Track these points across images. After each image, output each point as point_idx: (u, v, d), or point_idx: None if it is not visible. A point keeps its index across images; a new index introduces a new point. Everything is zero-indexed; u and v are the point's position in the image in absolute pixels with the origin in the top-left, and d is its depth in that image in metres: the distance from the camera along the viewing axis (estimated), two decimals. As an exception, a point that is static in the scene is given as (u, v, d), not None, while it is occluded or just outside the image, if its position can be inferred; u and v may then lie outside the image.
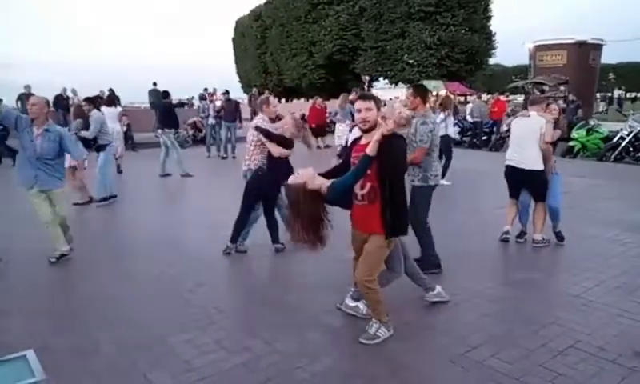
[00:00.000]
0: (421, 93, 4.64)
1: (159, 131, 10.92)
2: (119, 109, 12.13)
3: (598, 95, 26.99)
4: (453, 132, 9.17)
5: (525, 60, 24.20)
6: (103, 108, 9.42)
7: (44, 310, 4.12)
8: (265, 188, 5.27)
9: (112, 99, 8.14)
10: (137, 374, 3.10)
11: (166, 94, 12.41)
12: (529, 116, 5.57)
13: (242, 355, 3.29)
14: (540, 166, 5.44)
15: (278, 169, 5.05)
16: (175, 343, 3.46)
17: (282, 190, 5.07)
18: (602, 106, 19.83)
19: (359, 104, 3.37)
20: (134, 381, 3.03)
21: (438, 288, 4.11)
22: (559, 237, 5.68)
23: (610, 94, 32.76)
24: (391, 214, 3.24)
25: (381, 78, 33.94)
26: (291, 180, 3.33)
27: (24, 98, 16.83)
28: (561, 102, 11.47)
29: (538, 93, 17.08)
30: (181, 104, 15.46)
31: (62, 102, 16.71)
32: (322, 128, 17.33)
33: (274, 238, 5.50)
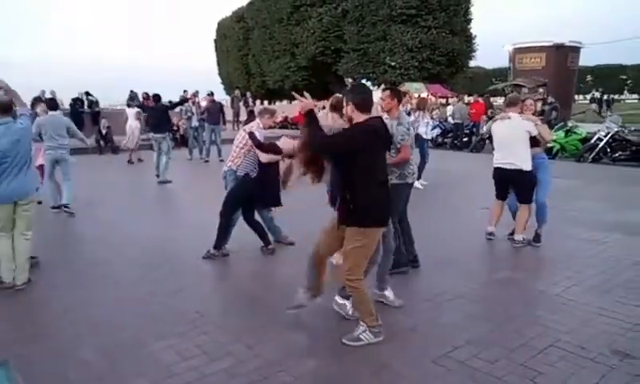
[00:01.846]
0: (398, 95, 4.73)
1: (152, 135, 10.75)
2: (136, 109, 14.25)
3: (588, 97, 27.39)
4: (424, 132, 9.18)
5: (505, 62, 24.53)
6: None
7: (21, 317, 4.03)
8: (249, 194, 5.23)
9: (55, 103, 8.09)
10: (117, 380, 3.04)
11: (157, 97, 11.82)
12: (509, 117, 5.63)
13: (225, 360, 3.26)
14: (528, 167, 5.51)
15: (265, 175, 5.03)
16: (156, 349, 3.41)
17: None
18: (593, 108, 20.16)
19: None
20: (113, 388, 2.97)
21: (391, 293, 4.13)
22: (537, 238, 5.73)
23: (598, 96, 33.27)
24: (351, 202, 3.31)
25: (363, 80, 34.06)
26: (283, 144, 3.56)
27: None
28: (540, 104, 11.66)
29: (516, 93, 17.30)
30: (177, 104, 14.98)
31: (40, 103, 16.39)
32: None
33: (266, 241, 5.48)
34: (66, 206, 7.44)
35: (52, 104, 7.98)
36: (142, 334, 3.62)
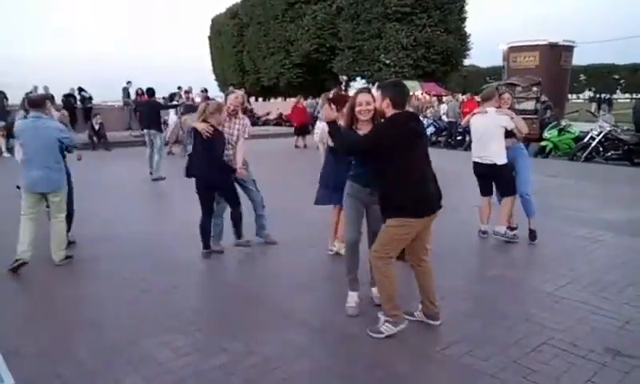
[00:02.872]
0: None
1: (145, 131, 10.69)
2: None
3: (582, 96, 27.50)
4: None
5: (499, 61, 24.55)
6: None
7: (12, 313, 4.00)
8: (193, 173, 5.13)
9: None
10: (110, 378, 3.03)
11: (151, 91, 11.65)
12: (486, 112, 5.65)
13: (220, 357, 3.25)
14: (502, 160, 5.56)
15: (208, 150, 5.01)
16: (149, 346, 3.39)
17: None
18: (593, 108, 20.22)
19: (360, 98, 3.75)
20: (107, 385, 2.96)
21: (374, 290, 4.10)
22: (532, 236, 5.77)
23: (598, 95, 33.41)
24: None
25: (358, 78, 34.08)
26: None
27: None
28: (533, 102, 11.70)
29: (511, 93, 17.34)
30: (170, 105, 14.93)
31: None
32: (305, 127, 17.32)
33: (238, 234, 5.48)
34: None
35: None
36: (135, 331, 3.61)
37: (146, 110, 11.17)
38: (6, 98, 15.75)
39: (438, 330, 3.64)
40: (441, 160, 12.58)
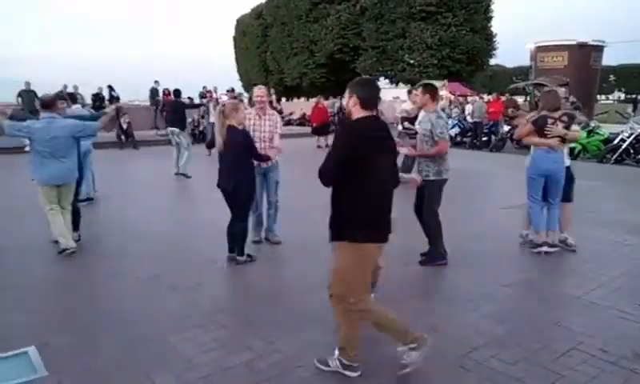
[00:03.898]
0: (430, 90, 4.89)
1: (169, 130, 10.91)
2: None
3: (615, 97, 26.77)
4: None
5: (525, 61, 24.16)
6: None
7: (45, 308, 4.11)
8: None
9: (74, 97, 8.80)
10: (138, 372, 3.09)
11: (177, 92, 12.22)
12: None
13: (244, 354, 3.29)
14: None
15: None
16: (176, 341, 3.45)
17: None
18: (629, 108, 19.67)
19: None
20: (135, 379, 3.02)
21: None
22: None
23: (634, 96, 32.48)
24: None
25: (382, 78, 33.92)
26: None
27: (24, 94, 16.87)
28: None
29: (538, 93, 17.07)
30: (194, 105, 15.32)
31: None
32: (326, 127, 17.35)
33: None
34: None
35: (73, 98, 8.25)
36: (162, 327, 3.67)
37: (171, 109, 11.43)
38: (37, 97, 16.16)
39: (463, 333, 3.60)
40: (466, 161, 12.50)
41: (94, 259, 5.40)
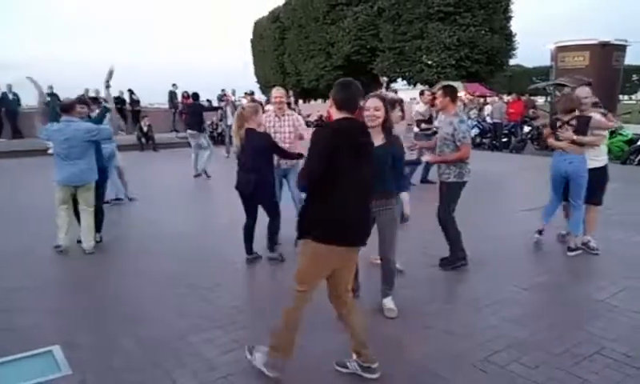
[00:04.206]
0: (450, 92, 4.80)
1: (189, 132, 11.08)
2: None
3: (639, 97, 26.18)
4: None
5: (546, 61, 23.80)
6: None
7: (68, 308, 4.19)
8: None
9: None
10: (159, 371, 3.13)
11: (195, 95, 12.68)
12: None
13: (263, 355, 3.30)
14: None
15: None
16: (196, 342, 3.49)
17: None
18: None
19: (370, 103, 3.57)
20: (156, 378, 3.06)
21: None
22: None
23: None
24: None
25: (399, 79, 33.78)
26: None
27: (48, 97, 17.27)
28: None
29: (559, 94, 16.84)
30: (212, 107, 15.59)
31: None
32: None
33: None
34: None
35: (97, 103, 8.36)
36: (182, 327, 3.71)
37: (190, 112, 11.64)
38: (59, 101, 16.54)
39: (484, 336, 3.57)
40: (486, 162, 12.37)
41: (114, 259, 5.49)
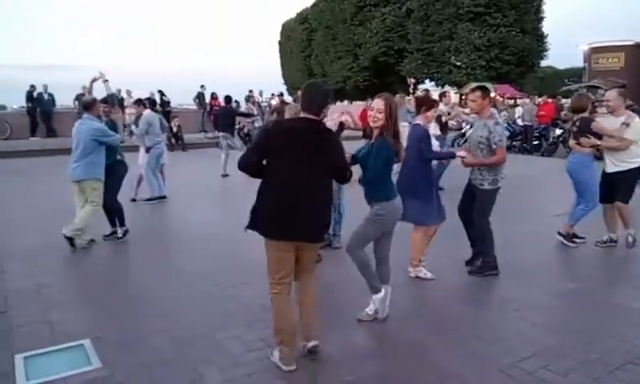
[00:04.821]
0: (488, 94, 4.77)
1: (221, 135, 11.30)
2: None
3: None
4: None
5: (578, 62, 23.29)
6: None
7: (98, 303, 4.31)
8: None
9: (154, 101, 9.46)
10: (186, 367, 3.18)
11: (228, 99, 13.02)
12: None
13: (288, 354, 3.32)
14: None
15: None
16: (223, 338, 3.54)
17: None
18: None
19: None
20: (184, 374, 3.11)
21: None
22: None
23: None
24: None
25: (427, 81, 33.47)
26: None
27: (81, 98, 17.78)
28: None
29: (593, 96, 16.43)
30: (246, 114, 15.79)
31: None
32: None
33: None
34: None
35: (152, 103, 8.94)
36: (209, 324, 3.77)
37: (222, 115, 11.84)
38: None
39: (512, 342, 3.51)
40: (517, 166, 12.12)
41: (143, 255, 5.62)
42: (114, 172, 5.93)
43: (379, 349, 3.47)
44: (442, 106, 9.74)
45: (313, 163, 2.99)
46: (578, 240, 5.77)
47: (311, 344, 3.23)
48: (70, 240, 5.49)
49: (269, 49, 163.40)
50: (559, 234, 5.78)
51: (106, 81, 6.89)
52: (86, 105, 5.81)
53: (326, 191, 3.14)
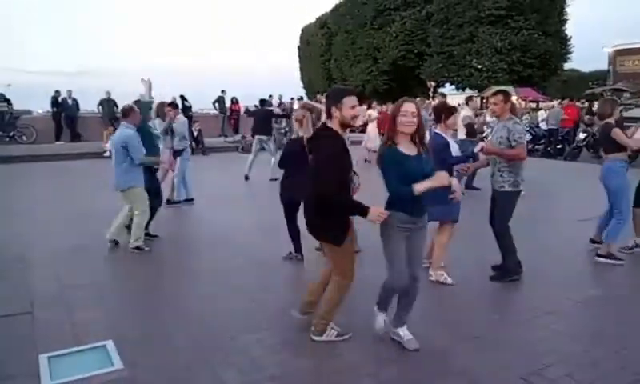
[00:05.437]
0: (509, 98, 4.82)
1: (257, 138, 11.31)
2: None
3: None
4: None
5: (603, 65, 22.83)
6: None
7: (121, 304, 4.38)
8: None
9: (177, 106, 9.51)
10: (207, 369, 3.21)
11: (263, 101, 13.15)
12: None
13: (309, 358, 3.33)
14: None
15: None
16: (244, 341, 3.56)
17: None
18: None
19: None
20: (204, 376, 3.14)
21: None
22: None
23: None
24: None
25: (447, 84, 33.25)
26: None
27: (105, 102, 18.15)
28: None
29: (618, 99, 16.10)
30: (282, 115, 15.85)
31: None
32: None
33: (296, 247, 5.43)
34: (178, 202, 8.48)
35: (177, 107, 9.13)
36: (230, 327, 3.80)
37: (259, 117, 11.76)
38: (116, 106, 17.39)
39: (535, 349, 3.45)
40: (540, 170, 11.92)
41: (167, 257, 5.69)
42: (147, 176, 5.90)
43: (398, 353, 3.44)
44: (468, 111, 9.65)
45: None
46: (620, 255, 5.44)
47: (298, 316, 3.76)
48: (115, 242, 5.87)
49: (281, 49, 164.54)
50: (599, 255, 5.36)
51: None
52: (123, 112, 5.87)
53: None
